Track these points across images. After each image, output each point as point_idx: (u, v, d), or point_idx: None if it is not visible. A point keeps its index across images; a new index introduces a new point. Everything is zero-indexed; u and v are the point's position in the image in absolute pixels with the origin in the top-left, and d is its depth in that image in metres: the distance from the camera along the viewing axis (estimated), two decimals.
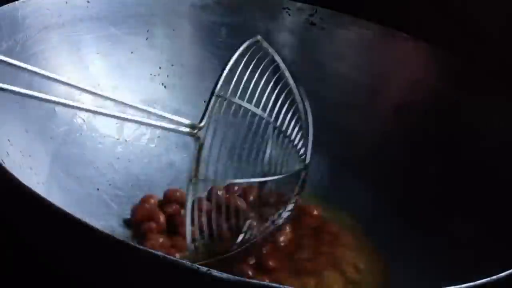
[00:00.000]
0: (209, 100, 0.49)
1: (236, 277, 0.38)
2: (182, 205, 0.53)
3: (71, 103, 0.46)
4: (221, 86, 0.49)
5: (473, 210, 0.54)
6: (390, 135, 0.61)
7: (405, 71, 0.63)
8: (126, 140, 0.60)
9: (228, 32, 0.63)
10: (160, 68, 0.62)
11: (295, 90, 0.54)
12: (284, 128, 0.54)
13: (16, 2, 0.54)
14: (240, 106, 0.51)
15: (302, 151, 0.54)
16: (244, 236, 0.51)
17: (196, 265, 0.38)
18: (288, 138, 0.54)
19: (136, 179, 0.58)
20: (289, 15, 0.65)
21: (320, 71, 0.64)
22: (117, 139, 0.59)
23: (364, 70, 0.64)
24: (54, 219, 0.41)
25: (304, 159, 0.54)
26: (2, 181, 0.43)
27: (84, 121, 0.58)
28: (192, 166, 0.49)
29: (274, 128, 0.53)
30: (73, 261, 0.45)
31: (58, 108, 0.56)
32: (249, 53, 0.51)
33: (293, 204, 0.54)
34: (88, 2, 0.59)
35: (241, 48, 0.51)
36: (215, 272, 0.38)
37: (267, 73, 0.53)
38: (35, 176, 0.51)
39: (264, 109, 0.53)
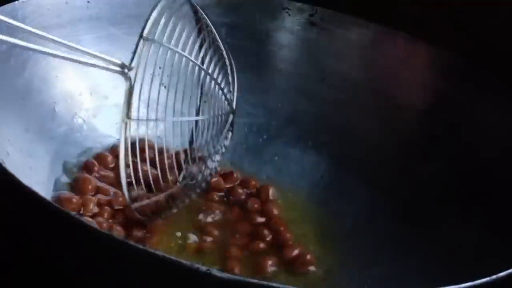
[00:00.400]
0: (138, 42, 0.50)
1: (237, 277, 0.38)
2: None
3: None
4: (150, 31, 0.51)
5: (473, 210, 0.54)
6: (390, 135, 0.61)
7: (405, 71, 0.63)
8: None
9: (228, 32, 0.63)
10: (160, 68, 0.62)
11: (221, 45, 0.57)
12: (213, 73, 0.56)
13: (16, 2, 0.54)
14: (169, 49, 0.52)
15: (229, 97, 0.57)
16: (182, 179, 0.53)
17: (196, 265, 0.38)
18: (217, 84, 0.56)
19: None
20: (289, 15, 0.65)
21: (320, 71, 0.64)
22: (117, 139, 0.59)
23: (364, 70, 0.64)
24: (53, 218, 0.41)
25: (232, 105, 0.57)
26: (2, 180, 0.43)
27: (84, 121, 0.58)
28: (124, 105, 0.49)
29: (205, 72, 0.55)
30: (73, 260, 0.45)
31: (58, 108, 0.56)
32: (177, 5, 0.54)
33: (223, 147, 0.57)
34: (88, 2, 0.59)
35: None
36: (215, 272, 0.38)
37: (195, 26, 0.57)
38: (35, 176, 0.51)
39: (192, 55, 0.54)
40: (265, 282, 0.39)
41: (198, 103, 0.58)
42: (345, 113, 0.63)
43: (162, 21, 0.51)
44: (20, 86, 0.53)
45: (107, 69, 0.49)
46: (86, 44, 0.58)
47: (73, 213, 0.47)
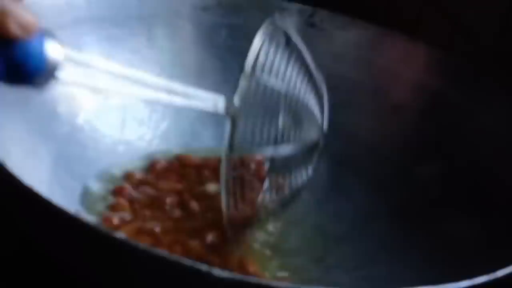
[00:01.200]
0: (241, 79, 0.50)
1: (237, 276, 0.38)
2: None
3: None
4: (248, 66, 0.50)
5: (472, 210, 0.54)
6: (390, 135, 0.61)
7: (404, 72, 0.63)
8: (127, 140, 0.60)
9: (228, 33, 0.63)
10: (161, 69, 0.62)
11: (310, 65, 0.56)
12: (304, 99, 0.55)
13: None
14: (266, 84, 0.52)
15: (320, 121, 0.56)
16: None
17: (196, 265, 0.38)
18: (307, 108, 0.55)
19: None
20: (289, 16, 0.65)
21: (320, 72, 0.64)
22: (119, 139, 0.60)
23: (363, 70, 0.64)
24: (55, 218, 0.41)
25: (322, 128, 0.57)
26: (4, 181, 0.43)
27: (86, 121, 0.58)
28: (228, 143, 0.49)
29: (296, 99, 0.54)
30: (74, 260, 0.45)
31: (60, 109, 0.56)
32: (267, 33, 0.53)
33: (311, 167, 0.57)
34: (89, 3, 0.59)
35: (262, 29, 0.52)
36: (216, 272, 0.38)
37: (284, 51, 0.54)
38: (37, 176, 0.51)
39: (285, 83, 0.53)
40: (265, 282, 0.39)
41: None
42: (344, 113, 0.63)
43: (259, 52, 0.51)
44: (22, 87, 0.53)
45: (210, 110, 0.49)
46: (88, 44, 0.59)
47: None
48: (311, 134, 0.56)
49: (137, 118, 0.61)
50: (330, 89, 0.64)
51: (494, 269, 0.42)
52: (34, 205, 0.42)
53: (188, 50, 0.64)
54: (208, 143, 0.62)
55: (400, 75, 0.63)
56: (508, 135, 0.56)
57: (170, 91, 0.46)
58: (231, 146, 0.49)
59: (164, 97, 0.46)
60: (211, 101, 0.48)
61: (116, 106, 0.60)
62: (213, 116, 0.49)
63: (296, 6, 0.65)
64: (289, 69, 0.54)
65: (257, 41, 0.51)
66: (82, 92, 0.58)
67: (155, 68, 0.62)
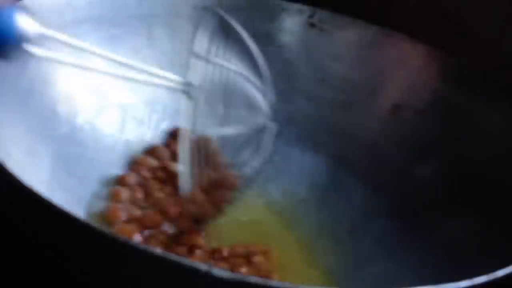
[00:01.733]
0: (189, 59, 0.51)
1: (236, 276, 0.38)
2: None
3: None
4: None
5: (473, 210, 0.54)
6: (389, 135, 0.61)
7: (403, 72, 0.63)
8: (127, 140, 0.60)
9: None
10: (161, 68, 0.62)
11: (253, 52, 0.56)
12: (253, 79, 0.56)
13: (18, 2, 0.54)
14: (217, 64, 0.53)
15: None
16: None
17: (196, 265, 0.38)
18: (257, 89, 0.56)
19: None
20: (289, 16, 0.65)
21: (320, 72, 0.64)
22: (119, 139, 0.60)
23: (363, 70, 0.64)
24: (55, 218, 0.41)
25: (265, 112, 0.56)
26: (4, 181, 0.43)
27: (86, 121, 0.58)
28: (186, 121, 0.51)
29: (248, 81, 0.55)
30: (74, 259, 0.45)
31: (59, 108, 0.56)
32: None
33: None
34: (89, 3, 0.59)
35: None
36: (215, 272, 0.38)
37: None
38: (37, 175, 0.51)
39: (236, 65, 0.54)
40: (264, 282, 0.39)
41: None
42: (344, 113, 0.63)
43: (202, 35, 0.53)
44: (22, 87, 0.53)
45: (169, 87, 0.51)
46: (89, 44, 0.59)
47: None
48: (258, 117, 0.56)
49: (137, 118, 0.61)
50: (330, 89, 0.64)
51: (494, 269, 0.42)
52: (33, 205, 0.42)
53: (188, 50, 0.64)
54: None
55: (400, 75, 0.63)
56: (508, 135, 0.56)
57: (136, 70, 0.49)
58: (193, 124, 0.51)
59: (129, 74, 0.49)
60: (169, 79, 0.50)
61: (116, 106, 0.60)
62: None
63: (296, 6, 0.65)
64: (231, 53, 0.55)
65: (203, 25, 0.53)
66: (82, 92, 0.58)
67: (155, 68, 0.62)
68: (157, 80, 0.50)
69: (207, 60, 0.52)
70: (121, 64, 0.48)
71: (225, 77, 0.54)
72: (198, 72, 0.51)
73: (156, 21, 0.63)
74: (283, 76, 0.65)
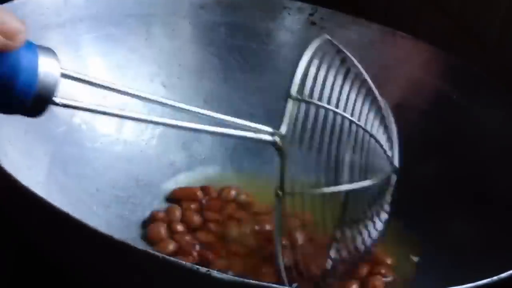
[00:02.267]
0: (286, 104, 0.45)
1: (236, 277, 0.38)
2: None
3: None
4: (296, 87, 0.45)
5: (473, 210, 0.54)
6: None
7: (404, 71, 0.63)
8: (125, 140, 0.60)
9: (227, 32, 0.63)
10: (159, 68, 0.62)
11: (372, 87, 0.49)
12: (368, 127, 0.48)
13: (16, 1, 0.54)
14: (319, 107, 0.45)
15: (389, 153, 0.49)
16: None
17: (196, 266, 0.38)
18: (374, 138, 0.48)
19: (136, 179, 0.58)
20: (289, 14, 0.65)
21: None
22: (116, 139, 0.59)
23: (364, 69, 0.64)
24: (52, 219, 0.41)
25: (393, 162, 0.49)
26: (1, 181, 0.43)
27: (83, 120, 0.58)
28: (279, 179, 0.45)
29: (359, 127, 0.47)
30: (72, 260, 0.45)
31: (56, 108, 0.56)
32: (318, 52, 0.47)
33: (386, 213, 0.49)
34: (87, 1, 0.59)
35: (311, 48, 0.47)
36: (215, 273, 0.38)
37: (340, 71, 0.48)
38: (34, 176, 0.51)
39: (344, 109, 0.47)
40: (264, 283, 0.39)
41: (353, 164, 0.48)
42: None
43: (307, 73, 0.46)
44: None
45: (257, 140, 0.44)
46: (86, 44, 0.59)
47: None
48: (379, 169, 0.48)
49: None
50: None
51: (494, 269, 0.42)
52: (30, 205, 0.42)
53: (187, 49, 0.64)
54: (207, 142, 0.62)
55: (400, 74, 0.63)
56: (508, 135, 0.56)
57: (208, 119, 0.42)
58: (282, 185, 0.44)
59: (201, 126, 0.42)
60: (256, 130, 0.44)
61: (114, 105, 0.60)
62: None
63: (296, 4, 0.65)
64: (345, 92, 0.47)
65: (305, 59, 0.46)
66: (79, 90, 0.58)
67: (153, 67, 0.62)
68: (238, 132, 0.43)
69: (306, 103, 0.45)
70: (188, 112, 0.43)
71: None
72: (293, 118, 0.44)
73: (155, 20, 0.63)
74: (283, 75, 0.65)
